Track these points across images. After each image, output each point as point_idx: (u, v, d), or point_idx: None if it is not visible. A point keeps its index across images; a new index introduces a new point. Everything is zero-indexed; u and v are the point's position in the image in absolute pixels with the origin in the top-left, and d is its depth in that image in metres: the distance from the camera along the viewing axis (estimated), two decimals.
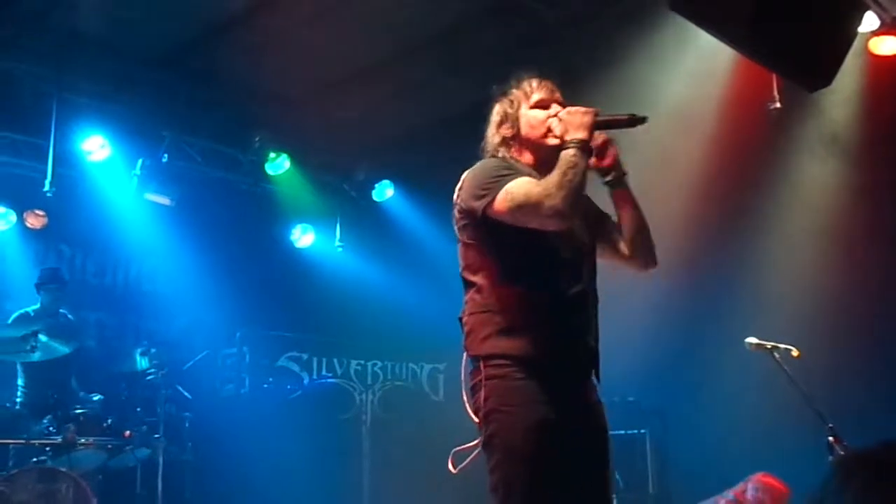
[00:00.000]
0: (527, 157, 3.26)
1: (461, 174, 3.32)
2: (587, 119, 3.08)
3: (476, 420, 3.08)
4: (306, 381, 8.74)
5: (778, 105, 5.74)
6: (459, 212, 3.16)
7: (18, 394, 6.75)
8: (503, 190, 3.02)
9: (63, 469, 5.90)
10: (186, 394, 7.11)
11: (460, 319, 3.19)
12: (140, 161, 7.50)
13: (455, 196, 3.19)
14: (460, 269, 3.21)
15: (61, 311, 6.98)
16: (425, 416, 8.29)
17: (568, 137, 3.06)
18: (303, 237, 8.83)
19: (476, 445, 3.10)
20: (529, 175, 3.12)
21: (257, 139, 7.96)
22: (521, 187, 3.01)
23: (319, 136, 8.01)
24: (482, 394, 3.03)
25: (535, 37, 6.53)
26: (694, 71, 6.49)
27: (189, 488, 7.07)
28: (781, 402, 5.52)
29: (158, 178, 7.61)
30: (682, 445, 7.14)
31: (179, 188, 7.72)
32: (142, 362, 7.05)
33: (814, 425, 4.72)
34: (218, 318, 8.04)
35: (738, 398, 6.81)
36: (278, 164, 8.08)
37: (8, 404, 6.49)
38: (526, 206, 2.97)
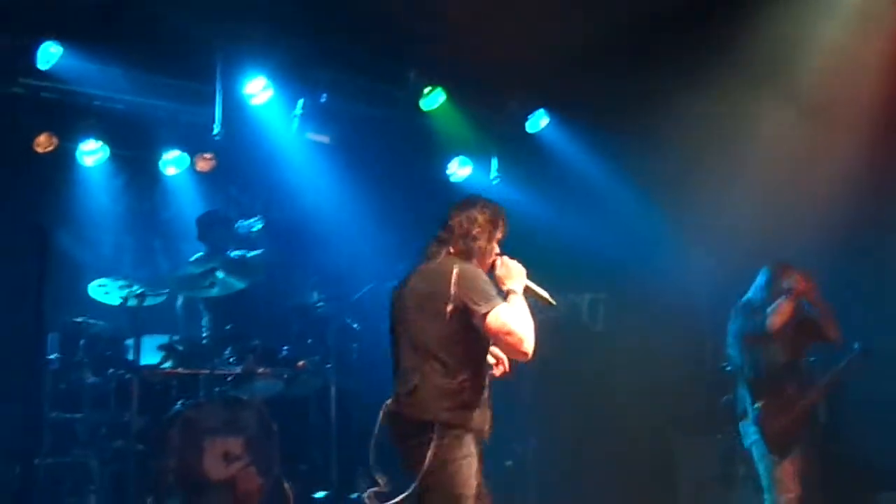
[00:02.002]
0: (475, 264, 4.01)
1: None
2: (523, 278, 3.98)
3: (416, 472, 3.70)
4: None
5: None
6: (455, 302, 3.76)
7: (203, 329, 7.14)
8: (499, 310, 3.71)
9: (245, 397, 6.26)
10: (354, 325, 7.35)
11: (411, 383, 3.81)
12: (300, 101, 7.70)
13: (451, 285, 3.77)
14: (428, 338, 3.81)
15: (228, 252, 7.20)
16: (583, 347, 8.26)
17: (511, 285, 3.90)
18: (459, 171, 8.87)
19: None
20: None
21: (412, 75, 8.00)
22: (514, 318, 3.73)
23: (473, 69, 7.94)
24: (432, 450, 3.68)
25: None
26: (855, 14, 6.07)
27: (356, 417, 7.35)
28: None
29: (317, 117, 7.80)
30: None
31: (338, 126, 7.89)
32: (311, 296, 7.33)
33: None
34: (379, 251, 8.21)
35: None
36: (433, 99, 8.12)
37: (196, 339, 6.91)
38: (513, 336, 3.71)
